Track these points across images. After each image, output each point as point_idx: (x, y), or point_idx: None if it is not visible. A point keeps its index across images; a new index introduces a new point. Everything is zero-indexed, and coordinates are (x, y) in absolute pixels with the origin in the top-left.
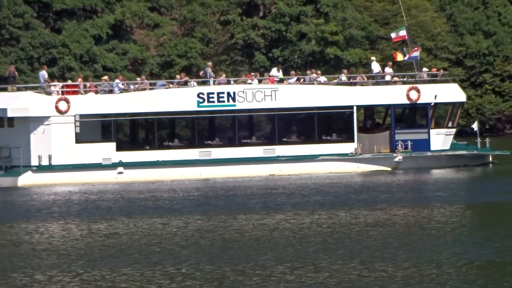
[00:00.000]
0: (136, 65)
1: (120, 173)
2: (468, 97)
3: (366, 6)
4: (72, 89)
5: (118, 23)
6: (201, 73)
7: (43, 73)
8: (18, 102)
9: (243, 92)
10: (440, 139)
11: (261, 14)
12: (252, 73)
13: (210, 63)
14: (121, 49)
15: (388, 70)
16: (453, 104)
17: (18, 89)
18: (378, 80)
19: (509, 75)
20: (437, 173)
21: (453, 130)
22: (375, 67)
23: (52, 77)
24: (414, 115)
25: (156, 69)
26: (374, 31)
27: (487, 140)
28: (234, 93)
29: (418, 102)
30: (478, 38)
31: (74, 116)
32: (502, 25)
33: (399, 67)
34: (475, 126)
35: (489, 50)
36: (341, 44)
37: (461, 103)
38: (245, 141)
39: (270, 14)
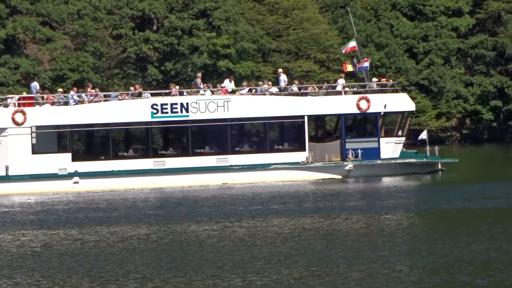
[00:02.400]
0: (28, 79)
1: (76, 182)
2: None
3: (258, 19)
4: (29, 101)
5: (10, 37)
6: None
7: (35, 85)
8: None
9: (196, 103)
10: (390, 147)
11: (154, 28)
12: (205, 84)
13: (199, 74)
14: (13, 64)
15: (341, 81)
16: (402, 113)
17: None
18: (329, 90)
19: (402, 87)
20: (386, 181)
21: (403, 139)
22: (283, 78)
23: None
24: (365, 124)
25: (48, 83)
26: (266, 43)
27: (436, 148)
28: (187, 104)
29: (368, 111)
30: (370, 50)
31: (31, 127)
32: (394, 37)
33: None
34: (423, 135)
35: (381, 62)
36: (233, 57)
37: (411, 112)
38: (199, 150)
39: (163, 27)
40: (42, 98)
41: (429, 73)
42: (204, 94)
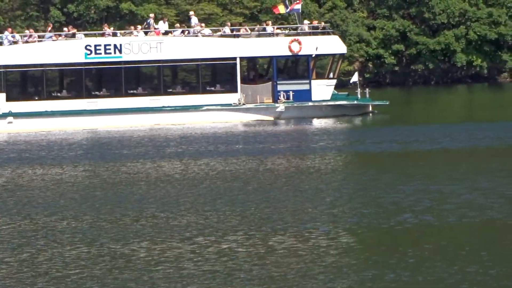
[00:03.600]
0: None
1: (10, 122)
2: None
3: None
4: None
5: None
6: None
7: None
8: None
9: (130, 44)
10: (321, 89)
11: None
12: (138, 26)
13: (152, 15)
14: None
15: (269, 28)
16: (333, 55)
17: None
18: (261, 32)
19: None
20: (317, 122)
21: (334, 81)
22: (195, 20)
23: None
24: (296, 67)
25: None
26: None
27: (367, 90)
28: (120, 45)
29: (300, 53)
30: None
31: None
32: None
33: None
34: (354, 78)
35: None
36: None
37: (342, 55)
38: (131, 91)
39: None
40: None
41: (332, 16)
42: (137, 35)
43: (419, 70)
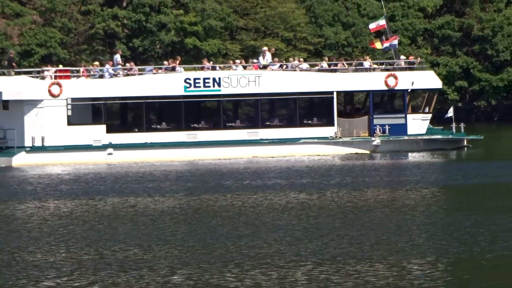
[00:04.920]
0: None
1: (110, 154)
2: None
3: None
4: (65, 74)
5: None
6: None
7: (117, 57)
8: (13, 86)
9: (228, 77)
10: (417, 123)
11: (124, 4)
12: (237, 60)
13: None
14: None
15: (367, 63)
16: (429, 90)
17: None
18: (358, 67)
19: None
20: (413, 156)
21: (429, 116)
22: (269, 56)
23: None
24: (392, 101)
25: (16, 58)
26: (233, 21)
27: (462, 125)
28: (219, 78)
29: (396, 88)
30: (337, 29)
31: (66, 99)
32: (362, 17)
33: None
34: (450, 113)
35: (348, 41)
36: (200, 34)
37: (437, 90)
38: (230, 124)
39: (131, 4)
40: (77, 71)
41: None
42: (235, 69)
43: (482, 106)
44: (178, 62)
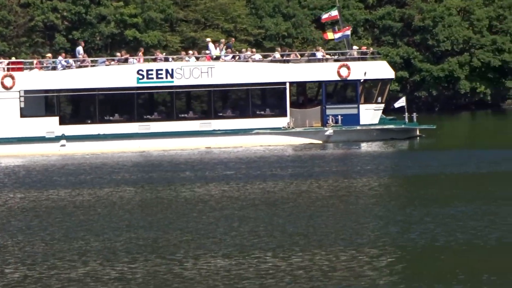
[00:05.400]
0: None
1: (63, 145)
2: None
3: None
4: (18, 66)
5: None
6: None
7: (79, 49)
8: None
9: (181, 69)
10: (369, 113)
11: None
12: (189, 51)
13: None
14: None
15: (319, 54)
16: (382, 80)
17: None
18: (310, 57)
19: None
20: (365, 146)
21: (382, 106)
22: (212, 48)
23: None
24: (345, 91)
25: None
26: (173, 13)
27: (414, 115)
28: (172, 70)
29: (349, 78)
30: (278, 20)
31: (19, 91)
32: (302, 8)
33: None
34: (401, 102)
35: (288, 32)
36: (140, 26)
37: (390, 80)
38: (183, 115)
39: None
40: (30, 63)
41: (336, 43)
42: (188, 60)
43: (423, 96)
44: (141, 53)
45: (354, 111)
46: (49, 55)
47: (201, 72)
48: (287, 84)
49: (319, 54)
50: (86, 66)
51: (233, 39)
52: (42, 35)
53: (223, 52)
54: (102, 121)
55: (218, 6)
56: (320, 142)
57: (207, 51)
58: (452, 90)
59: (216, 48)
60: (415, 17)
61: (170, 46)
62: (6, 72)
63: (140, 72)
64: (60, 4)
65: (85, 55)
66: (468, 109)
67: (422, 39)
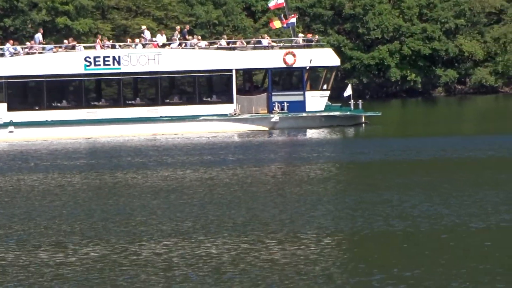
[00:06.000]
0: None
1: (11, 132)
2: None
3: None
4: None
5: None
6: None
7: (38, 35)
8: None
9: (128, 56)
10: (315, 100)
11: None
12: (136, 39)
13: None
14: None
15: (265, 41)
16: (327, 67)
17: None
18: (256, 45)
19: None
20: (311, 132)
21: (327, 93)
22: (147, 34)
23: None
24: (291, 78)
25: None
26: (105, 1)
27: (360, 102)
28: (119, 57)
29: (294, 66)
30: (208, 8)
31: None
32: None
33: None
34: (348, 91)
35: (219, 20)
36: (71, 13)
37: (335, 67)
38: (130, 102)
39: None
40: None
41: (266, 31)
42: (135, 47)
43: (354, 84)
44: (99, 40)
45: (300, 98)
46: None
47: (148, 59)
48: (233, 71)
49: (265, 42)
50: (34, 53)
51: (188, 26)
52: None
53: (177, 38)
54: (50, 107)
55: None
56: (266, 128)
57: (154, 39)
58: (383, 78)
59: (163, 35)
60: (346, 5)
61: (102, 33)
62: None
63: (88, 59)
64: None
65: (43, 42)
66: (399, 96)
67: (353, 27)
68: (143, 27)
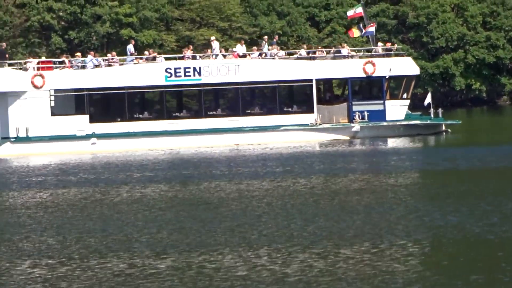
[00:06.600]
0: None
1: (93, 143)
2: None
3: None
4: (47, 65)
5: None
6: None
7: (130, 47)
8: None
9: (209, 67)
10: (395, 109)
11: None
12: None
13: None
14: None
15: (345, 50)
16: (407, 76)
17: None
18: (336, 54)
19: None
20: (392, 142)
21: (407, 102)
22: (216, 45)
23: None
24: (371, 88)
25: None
26: (168, 12)
27: (440, 110)
28: (200, 68)
29: (374, 75)
30: (272, 18)
31: (49, 90)
32: (296, 6)
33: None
34: (428, 99)
35: (283, 30)
36: (135, 25)
37: (415, 76)
38: (211, 113)
39: None
40: (61, 62)
41: (331, 41)
42: (215, 58)
43: (419, 94)
44: (189, 50)
45: (380, 107)
46: (78, 54)
47: (229, 70)
48: (314, 81)
49: (344, 51)
50: (115, 65)
51: (277, 36)
52: (38, 35)
53: (266, 48)
54: (132, 119)
55: (213, 4)
56: (347, 138)
57: (234, 49)
58: (448, 87)
59: (242, 45)
60: (409, 14)
61: (166, 45)
62: (36, 72)
63: (168, 70)
64: (55, 4)
65: (136, 53)
66: (464, 105)
67: (417, 36)
68: (212, 37)
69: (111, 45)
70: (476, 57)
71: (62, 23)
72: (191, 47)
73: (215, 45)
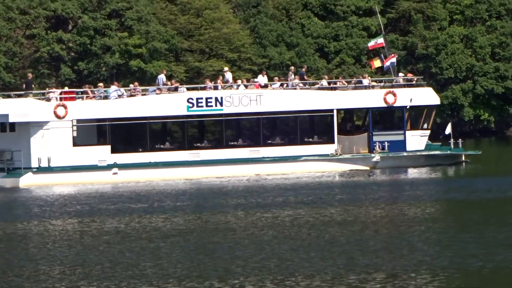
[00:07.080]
0: None
1: (115, 173)
2: None
3: (170, 19)
4: (70, 95)
5: None
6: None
7: (162, 77)
8: (19, 108)
9: (230, 97)
10: (416, 140)
11: (70, 28)
12: (238, 80)
13: (226, 68)
14: None
15: (366, 81)
16: (427, 107)
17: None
18: (357, 85)
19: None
20: (412, 172)
21: (428, 132)
22: (229, 76)
23: None
24: (391, 118)
25: None
26: (178, 43)
27: (460, 140)
28: (221, 98)
29: (395, 105)
30: (281, 49)
31: (72, 120)
32: (306, 37)
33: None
34: (448, 129)
35: (292, 61)
36: (145, 56)
37: (435, 106)
38: (232, 143)
39: (76, 27)
40: (83, 93)
41: (340, 72)
42: (237, 88)
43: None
44: (220, 81)
45: (401, 138)
46: (101, 84)
47: (250, 100)
48: (335, 111)
49: (365, 81)
50: (137, 95)
51: (306, 66)
52: (48, 66)
53: (292, 77)
54: (153, 149)
55: (222, 35)
56: (367, 168)
57: (256, 80)
58: (456, 117)
59: (264, 76)
60: (418, 45)
61: (175, 76)
62: (58, 102)
63: (190, 100)
64: (65, 35)
65: (167, 82)
66: (472, 136)
67: (426, 67)
68: (225, 68)
69: (120, 76)
70: (485, 87)
71: (72, 54)
72: (220, 77)
73: (228, 75)
